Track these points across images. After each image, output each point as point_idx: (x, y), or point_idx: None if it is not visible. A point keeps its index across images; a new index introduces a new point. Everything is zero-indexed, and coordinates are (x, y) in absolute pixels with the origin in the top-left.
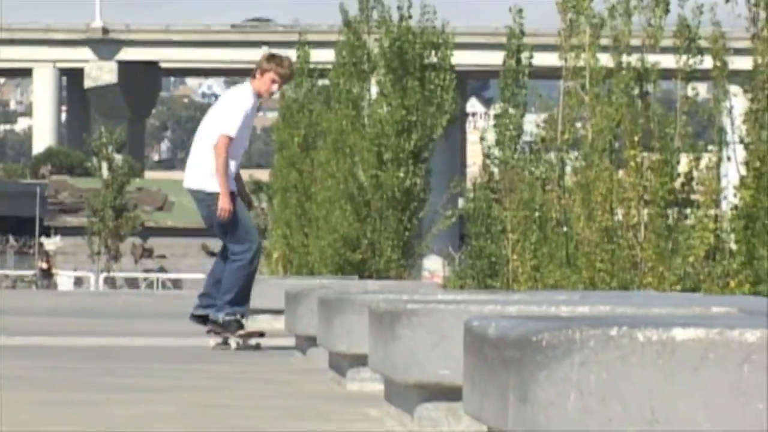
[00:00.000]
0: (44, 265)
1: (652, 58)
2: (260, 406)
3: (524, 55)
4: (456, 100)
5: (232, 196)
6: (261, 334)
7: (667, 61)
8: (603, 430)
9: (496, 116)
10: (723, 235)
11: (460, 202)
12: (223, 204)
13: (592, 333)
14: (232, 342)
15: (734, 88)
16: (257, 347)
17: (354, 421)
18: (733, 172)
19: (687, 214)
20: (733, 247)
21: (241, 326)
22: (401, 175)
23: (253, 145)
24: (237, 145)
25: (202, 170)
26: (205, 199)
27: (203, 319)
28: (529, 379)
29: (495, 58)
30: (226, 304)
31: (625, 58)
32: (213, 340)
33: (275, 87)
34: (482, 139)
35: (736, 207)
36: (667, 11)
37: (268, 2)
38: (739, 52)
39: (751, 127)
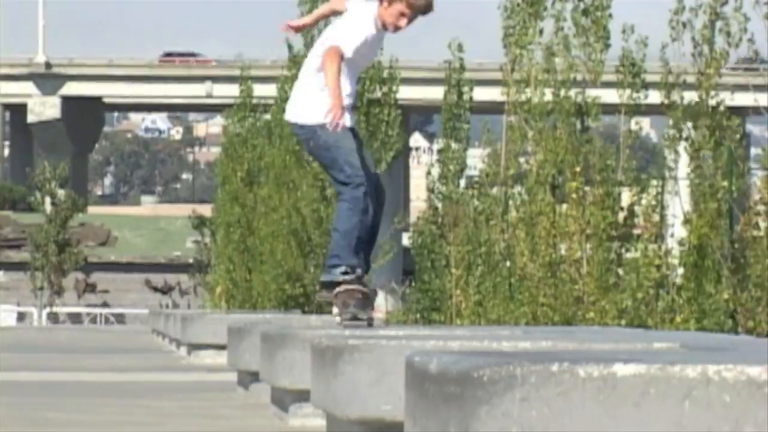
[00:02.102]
0: None
1: (593, 93)
2: None
3: (465, 90)
4: (401, 135)
5: (351, 132)
6: (364, 295)
7: (611, 95)
8: None
9: (439, 151)
10: (668, 270)
11: (404, 237)
12: (333, 103)
13: (534, 369)
14: (336, 316)
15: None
16: (369, 323)
17: None
18: (677, 206)
19: (629, 248)
20: (678, 281)
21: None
22: None
23: (196, 180)
24: (350, 73)
25: (304, 98)
26: (304, 132)
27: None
28: (470, 415)
29: (438, 93)
30: (331, 256)
31: (565, 93)
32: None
33: (403, 22)
34: (428, 173)
35: (684, 243)
36: (607, 46)
37: (210, 37)
38: (682, 87)
39: (695, 164)
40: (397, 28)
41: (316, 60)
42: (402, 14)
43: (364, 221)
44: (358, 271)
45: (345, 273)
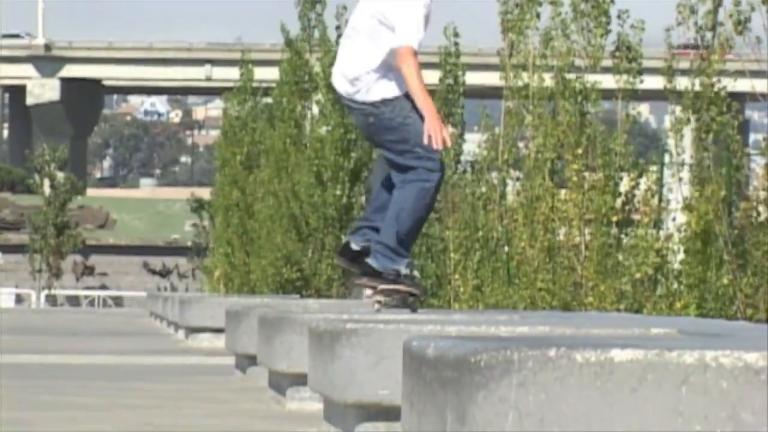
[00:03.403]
0: None
1: (592, 78)
2: (199, 425)
3: (459, 74)
4: None
5: (404, 97)
6: (413, 295)
7: (610, 81)
8: None
9: None
10: (668, 255)
11: None
12: (431, 123)
13: (531, 354)
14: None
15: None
16: (412, 307)
17: None
18: (677, 191)
19: (628, 233)
20: (677, 267)
21: (407, 280)
22: (338, 192)
23: (195, 164)
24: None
25: (360, 67)
26: (358, 109)
27: (354, 257)
28: (467, 400)
29: (435, 78)
30: (388, 245)
31: (564, 77)
32: (372, 296)
33: None
34: None
35: (684, 229)
36: (607, 31)
37: (210, 21)
38: (685, 73)
39: (697, 148)
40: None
41: (368, 21)
42: None
43: (429, 212)
44: (415, 272)
45: (406, 271)
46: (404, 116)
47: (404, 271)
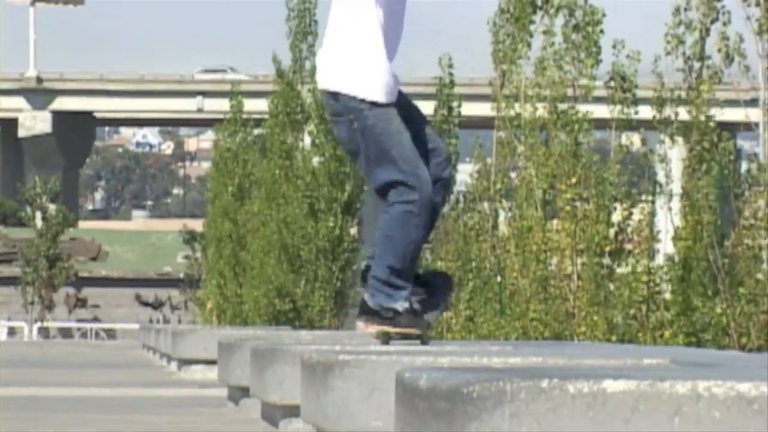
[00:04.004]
0: None
1: (585, 108)
2: None
3: (454, 105)
4: None
5: (393, 106)
6: (420, 338)
7: (602, 110)
8: None
9: None
10: (657, 286)
11: None
12: None
13: (523, 384)
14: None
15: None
16: (422, 340)
17: None
18: (667, 221)
19: (620, 263)
20: (668, 296)
21: (408, 314)
22: (331, 224)
23: (187, 195)
24: (391, 29)
25: (343, 57)
26: (344, 111)
27: None
28: (459, 431)
29: (429, 108)
30: (381, 279)
31: (556, 108)
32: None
33: None
34: None
35: (672, 258)
36: (598, 61)
37: (203, 53)
38: (676, 102)
39: (688, 178)
40: None
41: (346, 7)
42: None
43: (425, 233)
44: (416, 305)
45: (405, 305)
46: (388, 123)
47: (402, 307)
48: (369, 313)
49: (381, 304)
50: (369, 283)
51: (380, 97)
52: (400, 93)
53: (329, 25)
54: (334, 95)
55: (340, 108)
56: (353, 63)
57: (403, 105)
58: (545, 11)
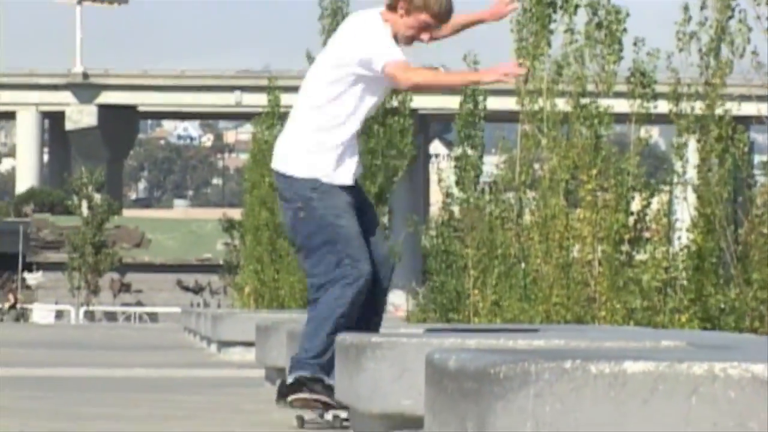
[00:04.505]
0: (11, 300)
1: (605, 102)
2: None
3: (480, 99)
4: (414, 143)
5: (347, 192)
6: (326, 405)
7: (622, 105)
8: None
9: (456, 158)
10: (674, 272)
11: (423, 239)
12: (488, 74)
13: (547, 366)
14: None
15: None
16: (341, 425)
17: None
18: (684, 211)
19: (638, 250)
20: (684, 283)
21: (321, 389)
22: None
23: (226, 185)
24: (375, 90)
25: (298, 143)
26: (293, 198)
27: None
28: (486, 410)
29: (456, 102)
30: (307, 358)
31: (578, 102)
32: (299, 417)
33: (426, 36)
34: (440, 180)
35: (687, 247)
36: (620, 58)
37: (240, 49)
38: (691, 97)
39: (702, 172)
40: (410, 40)
41: (311, 98)
42: (425, 26)
43: (348, 322)
44: (331, 380)
45: (313, 377)
46: (337, 215)
47: (311, 375)
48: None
49: (299, 375)
50: (290, 364)
51: (332, 178)
52: (359, 192)
53: (294, 109)
54: (283, 177)
55: (288, 192)
56: (305, 145)
57: (355, 187)
58: (565, 10)
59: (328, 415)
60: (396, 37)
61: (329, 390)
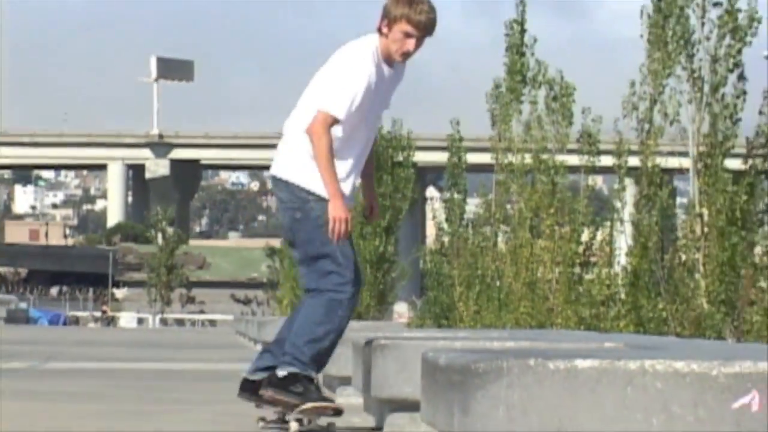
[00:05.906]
0: (103, 310)
1: (561, 158)
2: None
3: (462, 155)
4: (414, 189)
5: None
6: (337, 411)
7: (573, 159)
8: None
9: (445, 200)
10: (615, 288)
11: (421, 263)
12: (335, 210)
13: (516, 362)
14: (293, 423)
15: (626, 180)
16: (329, 429)
17: (342, 425)
18: (622, 240)
19: (587, 271)
20: (623, 297)
21: (314, 392)
22: (376, 243)
23: (269, 221)
24: (351, 135)
25: (295, 153)
26: (291, 200)
27: (253, 389)
28: (469, 397)
29: (443, 157)
30: (294, 357)
31: (539, 158)
32: (262, 418)
33: (411, 44)
34: (434, 217)
35: (625, 269)
36: (570, 123)
37: (282, 112)
38: (632, 153)
39: (639, 210)
40: (406, 55)
41: (302, 119)
42: (407, 35)
43: (340, 328)
44: (320, 389)
45: (306, 377)
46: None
47: (313, 375)
48: (277, 386)
49: (292, 371)
50: (281, 359)
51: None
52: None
53: (292, 115)
54: (280, 182)
55: (286, 196)
56: (302, 157)
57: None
58: (531, 86)
59: (322, 421)
60: (391, 57)
61: (313, 386)
